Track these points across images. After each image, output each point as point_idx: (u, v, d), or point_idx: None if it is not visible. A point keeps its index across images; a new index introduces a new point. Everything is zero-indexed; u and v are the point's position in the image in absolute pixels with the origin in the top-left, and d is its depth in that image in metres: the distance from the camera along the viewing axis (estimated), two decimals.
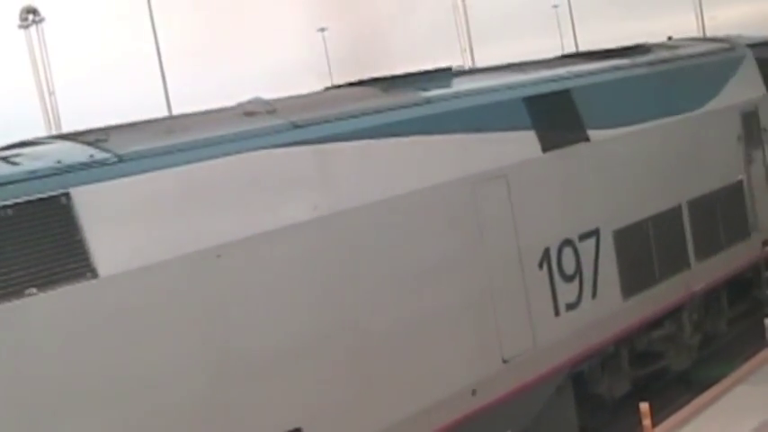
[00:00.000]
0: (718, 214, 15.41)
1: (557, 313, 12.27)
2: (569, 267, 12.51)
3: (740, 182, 16.06)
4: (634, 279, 13.56)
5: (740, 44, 17.21)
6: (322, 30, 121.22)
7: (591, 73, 13.72)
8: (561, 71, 13.46)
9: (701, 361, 15.03)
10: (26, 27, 42.22)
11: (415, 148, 10.87)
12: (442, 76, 12.30)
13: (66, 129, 33.57)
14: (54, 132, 33.06)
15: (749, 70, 16.91)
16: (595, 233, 13.01)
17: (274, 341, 9.04)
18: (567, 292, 12.44)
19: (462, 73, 13.06)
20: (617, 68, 14.22)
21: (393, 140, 10.64)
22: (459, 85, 12.21)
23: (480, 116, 11.79)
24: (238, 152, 9.22)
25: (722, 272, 15.49)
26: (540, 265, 12.11)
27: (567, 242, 12.57)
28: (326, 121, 10.25)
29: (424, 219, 10.75)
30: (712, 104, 15.67)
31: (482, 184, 11.43)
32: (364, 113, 10.64)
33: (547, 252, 12.23)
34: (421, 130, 10.98)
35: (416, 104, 11.23)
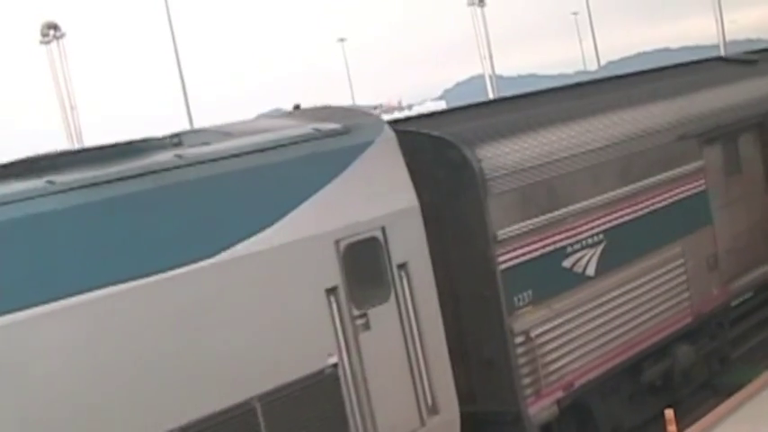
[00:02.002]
0: None
1: None
2: None
3: (332, 369, 9.24)
4: None
5: (370, 125, 10.36)
6: (342, 40, 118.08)
7: None
8: None
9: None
10: (47, 42, 41.43)
11: None
12: None
13: (87, 143, 32.23)
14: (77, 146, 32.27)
15: (381, 168, 10.11)
16: None
17: None
18: None
19: None
20: None
21: None
22: None
23: None
24: None
25: None
26: None
27: None
28: None
29: None
30: (258, 240, 8.86)
31: None
32: None
33: None
34: None
35: None
